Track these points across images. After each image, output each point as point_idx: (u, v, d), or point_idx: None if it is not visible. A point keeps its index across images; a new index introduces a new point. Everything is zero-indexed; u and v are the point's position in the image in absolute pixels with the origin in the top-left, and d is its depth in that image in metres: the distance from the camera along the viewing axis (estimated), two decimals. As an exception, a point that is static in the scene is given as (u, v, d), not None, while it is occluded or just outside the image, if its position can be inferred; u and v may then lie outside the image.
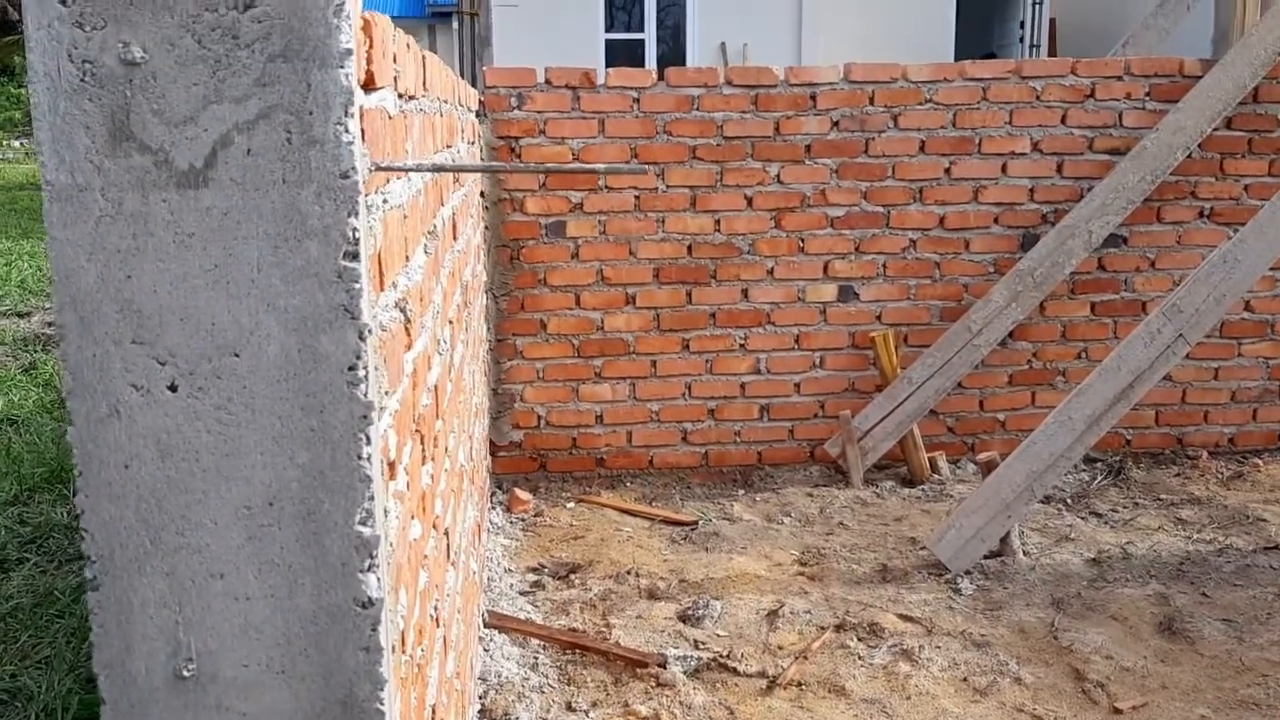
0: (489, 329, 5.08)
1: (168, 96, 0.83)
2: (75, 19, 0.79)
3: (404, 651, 1.30)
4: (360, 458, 0.91)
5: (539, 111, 5.01)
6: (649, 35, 15.91)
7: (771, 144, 5.13)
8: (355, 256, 0.88)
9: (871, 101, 5.13)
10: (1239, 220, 5.31)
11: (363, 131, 1.05)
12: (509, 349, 5.18)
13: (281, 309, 0.87)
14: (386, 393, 1.11)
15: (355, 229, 0.87)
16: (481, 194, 4.94)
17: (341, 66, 0.82)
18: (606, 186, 5.09)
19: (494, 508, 4.89)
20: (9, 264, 12.41)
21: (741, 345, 5.28)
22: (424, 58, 1.89)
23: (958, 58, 16.52)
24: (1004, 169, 5.23)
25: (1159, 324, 4.13)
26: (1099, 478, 5.23)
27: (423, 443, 1.57)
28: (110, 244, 0.87)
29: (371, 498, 0.93)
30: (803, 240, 5.22)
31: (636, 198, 5.12)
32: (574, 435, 5.27)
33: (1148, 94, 5.22)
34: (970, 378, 5.32)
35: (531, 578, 4.21)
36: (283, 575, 0.93)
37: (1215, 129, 5.19)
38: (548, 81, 5.01)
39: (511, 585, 4.11)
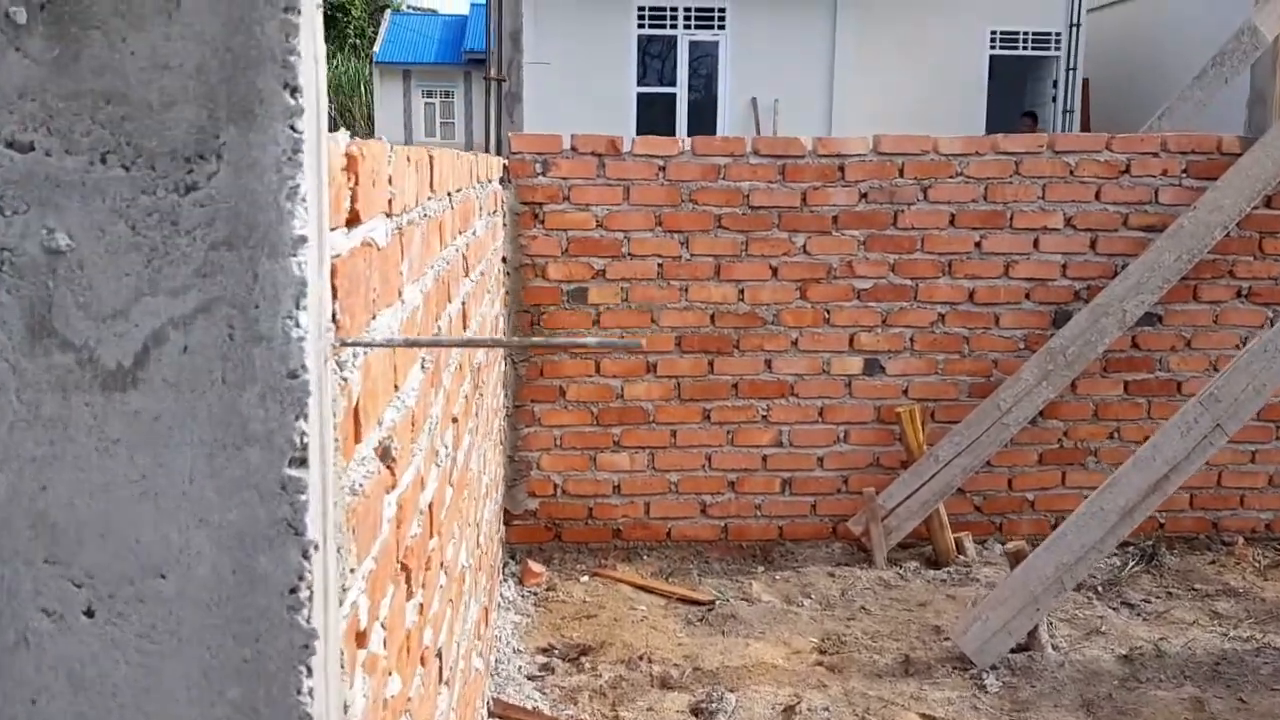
0: (507, 395, 5.00)
1: (95, 288, 0.74)
2: (-8, 204, 0.71)
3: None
4: (300, 692, 0.80)
5: (564, 178, 4.96)
6: (681, 90, 15.96)
7: (798, 214, 5.05)
8: (303, 463, 0.78)
9: (901, 173, 5.04)
10: (1278, 300, 5.18)
11: (334, 289, 0.97)
12: (527, 415, 5.10)
13: (215, 524, 0.78)
14: (351, 571, 1.02)
15: (304, 434, 0.77)
16: (504, 259, 4.88)
17: (294, 254, 0.73)
18: (629, 254, 5.02)
19: (505, 580, 4.78)
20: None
21: (764, 417, 5.17)
22: (431, 160, 1.81)
23: (990, 116, 16.47)
24: (1036, 244, 5.12)
25: (1196, 413, 3.99)
26: (1131, 563, 5.06)
27: (408, 580, 1.47)
28: (25, 452, 0.77)
29: (311, 738, 0.82)
30: (828, 312, 5.12)
31: (660, 265, 5.04)
32: (590, 505, 5.17)
33: (1185, 171, 5.10)
34: (999, 456, 5.18)
35: (541, 659, 4.09)
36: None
37: (1254, 207, 5.07)
38: (573, 148, 4.96)
39: (520, 668, 4.00)
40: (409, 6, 59.70)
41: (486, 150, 4.99)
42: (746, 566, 5.07)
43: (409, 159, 1.51)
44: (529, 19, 15.09)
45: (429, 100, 42.01)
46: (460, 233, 2.50)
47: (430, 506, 1.77)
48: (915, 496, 5.01)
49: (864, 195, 5.05)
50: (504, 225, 4.86)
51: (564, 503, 5.15)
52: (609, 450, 5.14)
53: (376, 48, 43.10)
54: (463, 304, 2.45)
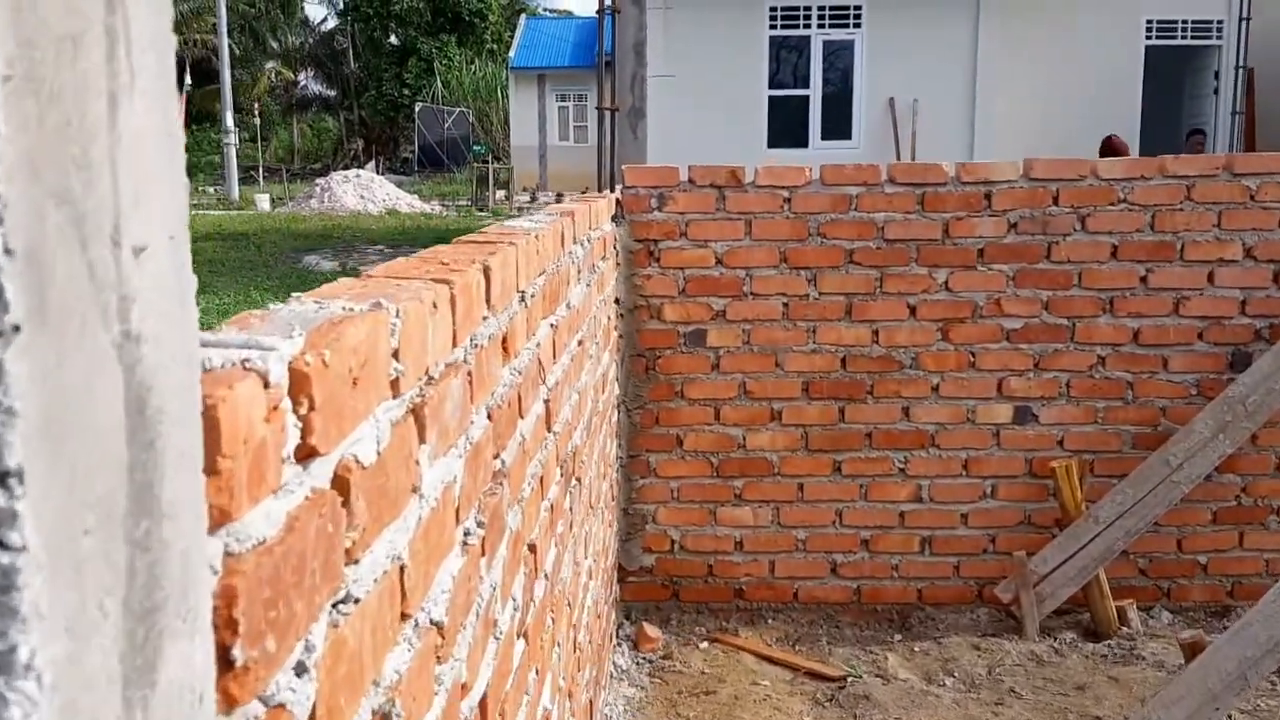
0: (620, 445, 4.69)
1: None
2: None
3: None
4: None
5: (680, 213, 4.61)
6: (814, 92, 15.46)
7: (939, 248, 4.60)
8: None
9: (1055, 201, 4.54)
10: None
11: (231, 621, 0.65)
12: (641, 466, 4.77)
13: None
14: None
15: None
16: (616, 300, 4.57)
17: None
18: (752, 293, 4.65)
19: (619, 645, 4.47)
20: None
21: (901, 469, 4.74)
22: (487, 274, 1.49)
23: (1145, 110, 15.48)
24: (1210, 278, 4.56)
25: None
26: (1324, 639, 4.45)
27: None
28: None
29: None
30: (974, 354, 4.65)
31: (785, 305, 4.66)
32: (710, 562, 4.81)
33: (1389, 193, 4.47)
34: (1167, 513, 4.63)
35: (654, 744, 3.77)
36: None
37: None
38: (691, 180, 4.61)
39: (630, 756, 3.68)
40: (545, 9, 60.35)
41: (600, 184, 4.69)
42: (881, 634, 4.64)
43: (435, 304, 1.18)
44: (656, 28, 14.81)
45: (563, 104, 42.37)
46: (546, 316, 2.19)
47: (484, 699, 1.45)
48: (1072, 562, 4.50)
49: (1013, 226, 4.57)
50: (617, 265, 4.55)
51: (682, 559, 4.81)
52: (730, 504, 4.78)
53: (512, 53, 43.62)
54: (545, 404, 2.13)
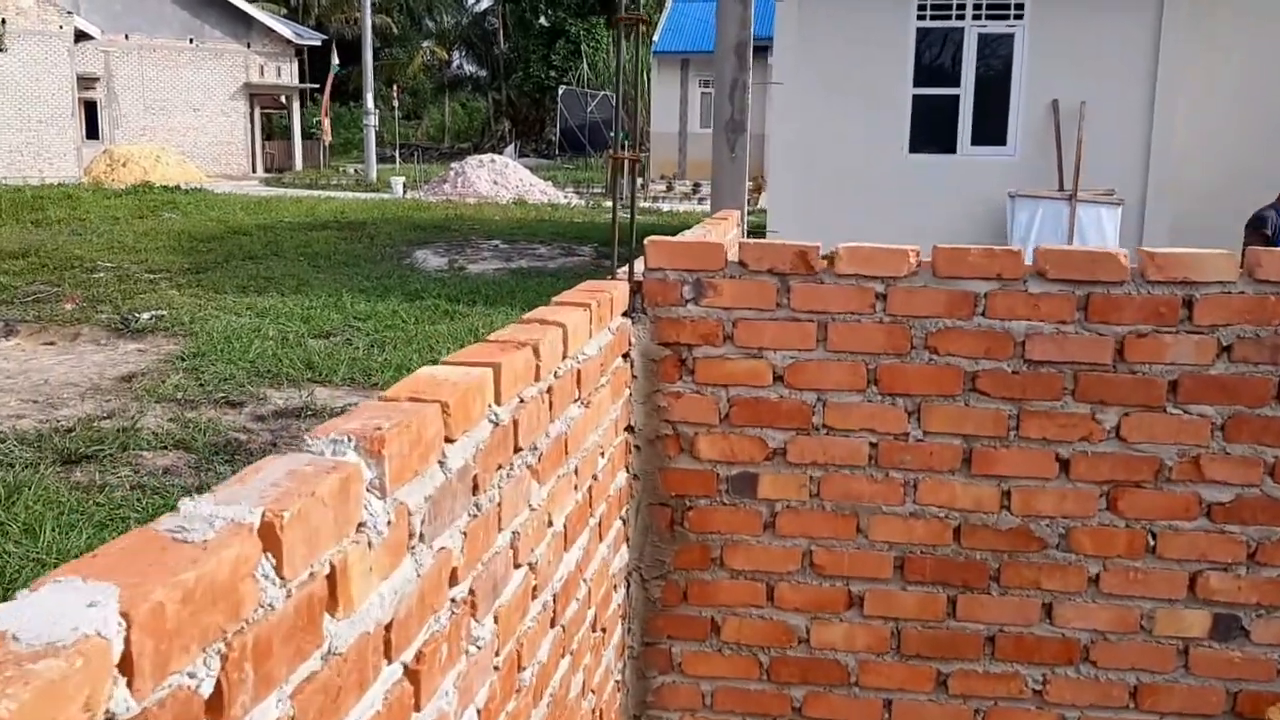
0: (630, 629, 3.32)
1: None
2: None
3: None
4: None
5: (726, 308, 3.19)
6: (965, 92, 13.69)
7: (1109, 376, 3.06)
8: None
9: (1297, 316, 2.96)
10: None
11: None
12: (661, 658, 3.39)
13: None
14: None
15: None
16: (629, 428, 3.20)
17: None
18: (824, 427, 3.20)
19: None
20: (258, 329, 11.83)
21: (1037, 693, 3.24)
22: None
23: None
24: None
25: None
26: None
27: None
28: None
29: None
30: (1154, 535, 3.12)
31: (873, 447, 3.20)
32: (754, 799, 3.41)
33: None
34: None
35: None
36: None
37: None
38: (742, 263, 3.18)
39: None
40: (698, -11, 58.81)
41: (615, 261, 3.32)
42: None
43: None
44: (790, 18, 13.29)
45: (706, 90, 40.93)
46: None
47: None
48: None
49: (1226, 349, 3.01)
50: (630, 380, 3.17)
51: (713, 791, 3.42)
52: (784, 721, 3.36)
53: (655, 36, 42.34)
54: None
